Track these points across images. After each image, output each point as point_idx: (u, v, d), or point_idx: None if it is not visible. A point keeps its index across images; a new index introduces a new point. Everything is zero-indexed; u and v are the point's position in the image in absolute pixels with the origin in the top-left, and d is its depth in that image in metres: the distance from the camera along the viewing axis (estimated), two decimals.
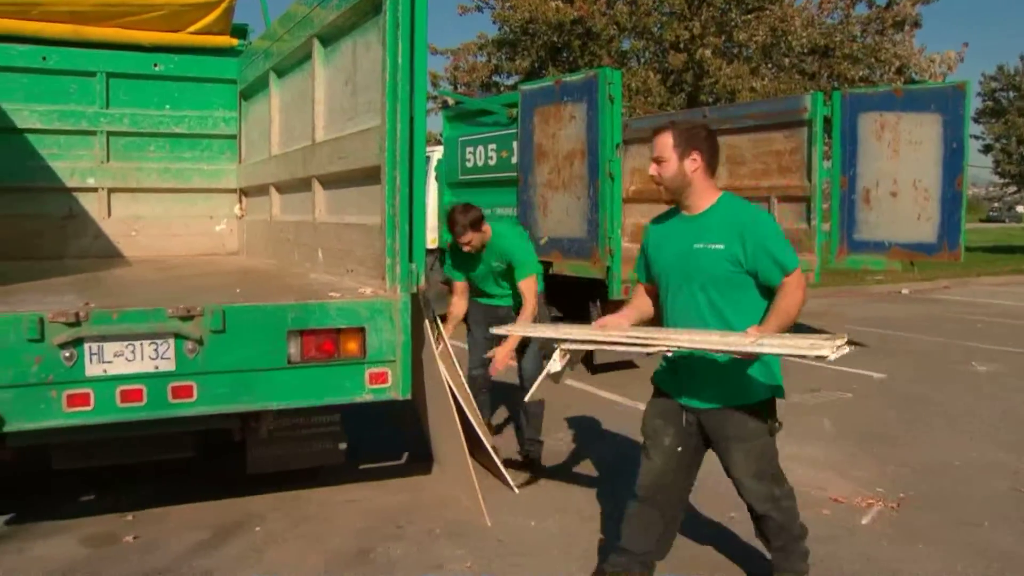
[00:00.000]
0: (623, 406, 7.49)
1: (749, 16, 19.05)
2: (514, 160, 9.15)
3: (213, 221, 7.54)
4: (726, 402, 3.53)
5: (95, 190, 7.12)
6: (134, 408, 3.90)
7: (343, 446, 5.15)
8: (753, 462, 3.59)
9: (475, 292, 5.96)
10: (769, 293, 3.48)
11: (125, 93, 7.15)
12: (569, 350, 3.59)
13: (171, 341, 3.92)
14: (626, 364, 8.96)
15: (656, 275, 3.72)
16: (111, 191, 7.17)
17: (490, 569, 4.24)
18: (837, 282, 16.44)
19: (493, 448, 5.26)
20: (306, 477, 5.34)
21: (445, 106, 11.61)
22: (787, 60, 19.50)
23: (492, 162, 9.80)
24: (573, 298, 8.60)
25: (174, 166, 7.34)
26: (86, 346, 3.81)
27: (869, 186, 9.91)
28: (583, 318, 7.96)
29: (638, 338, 3.39)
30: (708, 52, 18.29)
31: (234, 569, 4.24)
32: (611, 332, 3.53)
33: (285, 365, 4.09)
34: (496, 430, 6.52)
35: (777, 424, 3.61)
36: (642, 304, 3.82)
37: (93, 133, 7.07)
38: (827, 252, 10.17)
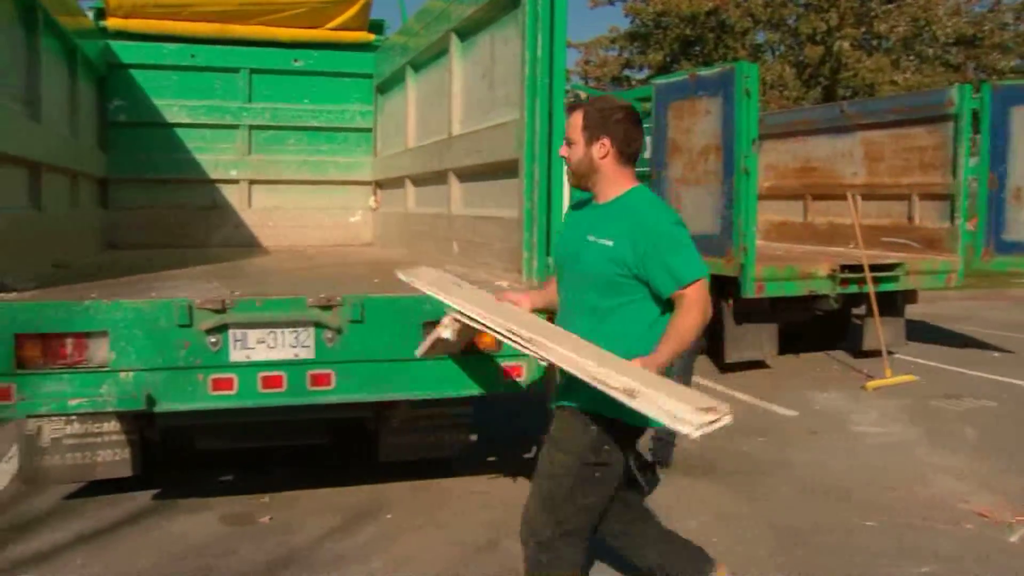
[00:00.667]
0: (752, 405, 7.31)
1: (889, 6, 18.42)
2: (647, 155, 9.03)
3: (348, 212, 7.71)
4: (561, 400, 3.13)
5: (237, 182, 7.40)
6: (274, 394, 3.99)
7: (474, 437, 5.19)
8: (549, 478, 3.10)
9: None
10: (666, 305, 3.00)
11: (266, 88, 7.40)
12: (458, 320, 3.35)
13: (311, 330, 3.99)
14: (757, 364, 8.75)
15: (557, 266, 3.39)
16: (252, 183, 7.43)
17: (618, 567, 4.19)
18: (979, 285, 15.69)
19: None
20: (436, 467, 5.38)
21: (576, 100, 11.59)
22: (930, 51, 18.78)
23: None
24: None
25: (311, 159, 7.56)
26: (230, 332, 3.91)
27: (1021, 184, 9.40)
28: (713, 317, 7.80)
29: (517, 336, 2.99)
30: (846, 44, 17.79)
31: (365, 555, 4.31)
32: (497, 318, 3.11)
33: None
34: None
35: (606, 463, 3.06)
36: (552, 290, 3.42)
37: (236, 127, 7.34)
38: (971, 253, 9.70)
